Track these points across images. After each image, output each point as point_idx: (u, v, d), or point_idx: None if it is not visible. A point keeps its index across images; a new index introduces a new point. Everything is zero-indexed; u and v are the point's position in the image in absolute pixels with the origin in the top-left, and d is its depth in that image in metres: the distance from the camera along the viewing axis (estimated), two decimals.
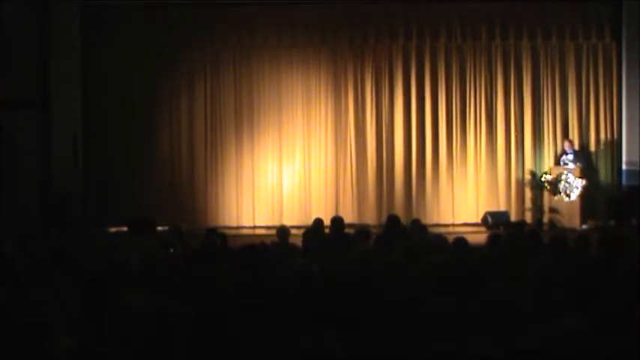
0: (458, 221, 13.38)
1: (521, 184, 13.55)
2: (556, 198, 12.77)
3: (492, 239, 7.29)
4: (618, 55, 13.58)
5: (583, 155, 13.17)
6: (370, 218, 13.29)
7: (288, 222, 11.66)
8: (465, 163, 13.56)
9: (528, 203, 13.49)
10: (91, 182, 12.97)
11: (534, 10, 13.54)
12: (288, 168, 13.54)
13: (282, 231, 8.70)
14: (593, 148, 13.60)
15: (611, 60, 13.65)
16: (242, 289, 4.95)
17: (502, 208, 13.37)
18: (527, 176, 13.53)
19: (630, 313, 3.93)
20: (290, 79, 13.62)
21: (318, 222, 9.05)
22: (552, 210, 12.92)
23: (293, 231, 9.02)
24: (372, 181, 13.52)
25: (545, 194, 13.05)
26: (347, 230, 8.81)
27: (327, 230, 8.91)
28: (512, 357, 3.47)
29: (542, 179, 12.98)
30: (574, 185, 12.59)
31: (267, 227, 12.64)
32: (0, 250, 5.22)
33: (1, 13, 12.61)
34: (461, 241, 6.82)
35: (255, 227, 13.25)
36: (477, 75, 13.61)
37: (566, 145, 13.14)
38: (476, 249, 7.02)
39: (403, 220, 9.80)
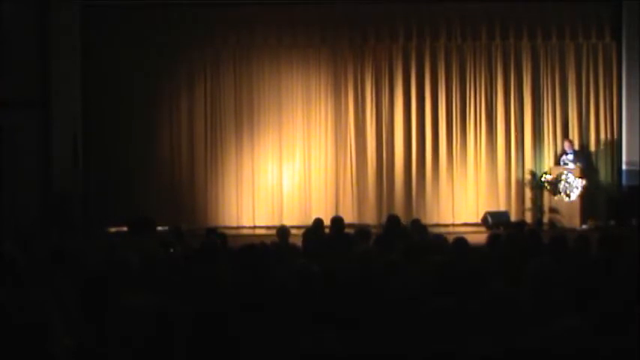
0: (458, 221, 13.38)
1: (521, 184, 13.55)
2: (556, 198, 12.77)
3: (492, 239, 7.29)
4: (618, 55, 13.58)
5: (583, 155, 13.17)
6: (370, 218, 13.29)
7: (288, 222, 11.66)
8: (465, 163, 13.56)
9: (528, 203, 13.49)
10: (91, 182, 12.97)
11: (534, 10, 13.54)
12: (288, 168, 13.54)
13: (282, 231, 8.70)
14: (593, 148, 13.60)
15: (611, 60, 13.65)
16: (242, 289, 4.95)
17: (502, 208, 13.38)
18: (527, 176, 13.53)
19: (630, 313, 3.93)
20: (290, 79, 13.62)
21: (318, 222, 9.05)
22: (552, 210, 12.92)
23: (293, 231, 9.02)
24: (372, 181, 13.52)
25: (545, 194, 13.05)
26: (347, 230, 8.80)
27: (327, 230, 8.90)
28: (512, 357, 3.47)
29: (542, 179, 12.98)
30: (574, 185, 12.59)
31: (267, 227, 12.63)
32: (0, 250, 5.22)
33: (1, 13, 12.61)
34: (461, 241, 6.82)
35: (255, 227, 13.25)
36: (477, 75, 13.61)
37: (566, 145, 13.14)
38: (476, 249, 7.02)
39: (403, 220, 9.79)
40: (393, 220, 8.77)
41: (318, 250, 7.68)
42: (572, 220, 12.63)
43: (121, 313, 3.66)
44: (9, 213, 12.18)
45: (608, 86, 13.64)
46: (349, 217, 12.50)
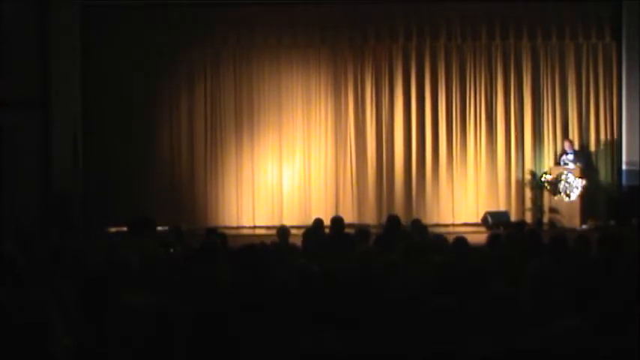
0: (458, 221, 13.38)
1: (521, 184, 13.55)
2: (556, 198, 12.77)
3: (492, 239, 7.29)
4: (618, 55, 13.58)
5: (583, 155, 13.17)
6: (370, 218, 13.29)
7: (288, 222, 11.66)
8: (465, 163, 13.56)
9: (528, 203, 13.49)
10: (91, 182, 12.97)
11: (534, 10, 13.54)
12: (288, 168, 13.54)
13: (282, 231, 8.70)
14: (593, 148, 13.60)
15: (611, 60, 13.65)
16: (242, 289, 4.95)
17: (502, 208, 13.38)
18: (527, 176, 13.53)
19: (630, 313, 3.93)
20: (290, 79, 13.62)
21: (318, 222, 9.05)
22: (552, 210, 12.92)
23: (293, 231, 9.02)
24: (372, 181, 13.52)
25: (545, 194, 13.05)
26: (347, 230, 8.80)
27: (327, 230, 8.90)
28: (512, 357, 3.47)
29: (542, 179, 12.98)
30: (574, 185, 12.59)
31: (267, 227, 12.63)
32: (0, 250, 5.21)
33: (1, 13, 12.61)
34: (461, 241, 6.83)
35: (255, 227, 13.25)
36: (477, 75, 13.62)
37: (566, 145, 13.14)
38: (476, 249, 7.02)
39: (403, 220, 9.79)
40: (393, 220, 8.77)
41: (318, 250, 7.68)
42: (572, 220, 12.63)
43: (121, 313, 3.66)
44: (9, 213, 12.18)
45: (608, 86, 13.64)
46: (349, 217, 12.50)
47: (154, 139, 13.45)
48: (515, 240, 7.11)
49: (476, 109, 13.62)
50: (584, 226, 12.60)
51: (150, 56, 13.40)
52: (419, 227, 8.89)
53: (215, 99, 13.58)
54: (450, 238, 7.20)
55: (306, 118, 13.59)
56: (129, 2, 13.33)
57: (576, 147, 13.24)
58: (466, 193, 13.52)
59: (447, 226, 13.03)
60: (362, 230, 8.37)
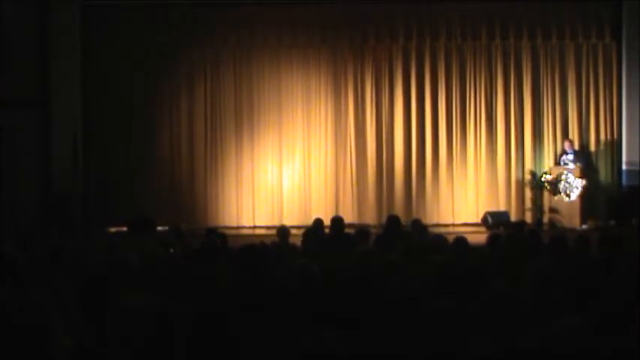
0: (458, 221, 13.38)
1: (521, 184, 13.55)
2: (556, 198, 12.77)
3: (492, 239, 7.29)
4: (618, 55, 13.58)
5: (583, 155, 13.17)
6: (370, 218, 13.29)
7: (288, 222, 11.66)
8: (465, 163, 13.56)
9: (528, 203, 13.49)
10: (91, 182, 12.97)
11: (534, 10, 13.54)
12: (288, 168, 13.54)
13: (282, 231, 8.70)
14: (593, 148, 13.60)
15: (611, 60, 13.65)
16: (242, 289, 4.95)
17: (502, 208, 13.38)
18: (527, 176, 13.53)
19: (630, 313, 3.93)
20: (290, 79, 13.62)
21: (318, 222, 9.05)
22: (552, 210, 12.92)
23: (293, 231, 9.02)
24: (372, 181, 13.52)
25: (545, 194, 13.05)
26: (347, 230, 8.80)
27: (327, 230, 8.90)
28: (512, 357, 3.47)
29: (542, 179, 12.98)
30: (574, 185, 12.59)
31: (267, 227, 12.63)
32: (0, 250, 5.21)
33: (1, 13, 12.61)
34: (461, 241, 6.83)
35: (255, 227, 13.25)
36: (477, 75, 13.62)
37: (566, 145, 13.14)
38: (476, 249, 7.02)
39: (403, 220, 9.79)
40: (393, 220, 8.76)
41: (318, 250, 7.68)
42: (572, 220, 12.63)
43: (121, 313, 3.66)
44: (9, 213, 12.18)
45: (608, 86, 13.64)
46: (349, 217, 12.50)
47: (154, 139, 13.45)
48: (515, 240, 7.11)
49: (476, 109, 13.62)
50: (584, 226, 12.59)
51: (150, 56, 13.40)
52: (419, 227, 8.89)
53: (215, 99, 13.58)
54: (450, 238, 7.20)
55: (306, 118, 13.59)
56: (129, 2, 13.33)
57: (576, 147, 13.24)
58: (466, 193, 13.52)
59: (447, 226, 13.03)
60: (362, 230, 8.37)
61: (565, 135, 13.47)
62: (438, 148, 13.55)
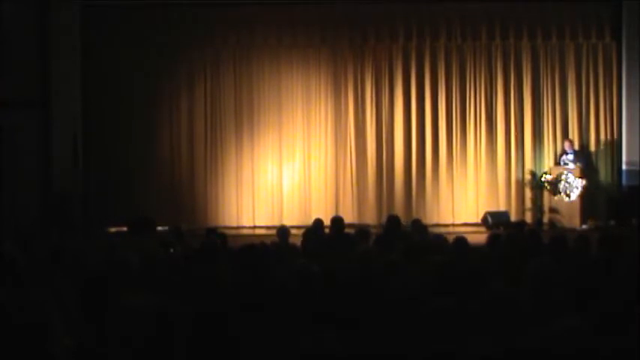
0: (458, 221, 13.38)
1: (521, 184, 13.55)
2: (556, 198, 12.77)
3: (492, 239, 7.29)
4: (618, 55, 13.58)
5: (583, 155, 13.17)
6: (370, 218, 13.29)
7: (288, 222, 11.66)
8: (465, 163, 13.56)
9: (528, 203, 13.49)
10: (91, 182, 12.97)
11: (534, 10, 13.54)
12: (288, 168, 13.54)
13: (282, 231, 8.71)
14: (593, 148, 13.60)
15: (611, 60, 13.65)
16: (242, 289, 4.95)
17: (502, 208, 13.38)
18: (527, 176, 13.53)
19: (630, 313, 3.93)
20: (290, 79, 13.62)
21: (318, 222, 9.05)
22: (552, 210, 12.92)
23: (293, 231, 9.02)
24: (372, 181, 13.52)
25: (545, 194, 13.05)
26: (347, 230, 8.80)
27: (327, 230, 8.90)
28: (512, 357, 3.47)
29: (542, 179, 12.98)
30: (574, 185, 12.59)
31: (267, 227, 12.63)
32: (0, 250, 5.21)
33: (1, 13, 12.61)
34: (461, 241, 6.83)
35: (255, 227, 13.25)
36: (477, 75, 13.62)
37: (566, 145, 13.14)
38: (476, 249, 7.02)
39: (403, 220, 9.79)
40: (393, 220, 8.76)
41: (318, 250, 7.67)
42: (572, 220, 12.63)
43: (121, 313, 3.66)
44: (9, 213, 12.18)
45: (608, 86, 13.64)
46: (349, 217, 12.50)
47: (154, 139, 13.45)
48: (515, 240, 7.11)
49: (476, 109, 13.62)
50: (584, 226, 12.59)
51: (150, 56, 13.40)
52: (419, 227, 8.89)
53: (215, 99, 13.58)
54: (450, 238, 7.20)
55: (306, 118, 13.59)
56: (129, 2, 13.33)
57: (576, 147, 13.24)
58: (466, 193, 13.52)
59: (447, 226, 13.03)
60: (362, 230, 8.37)
61: (565, 135, 13.47)
62: (438, 148, 13.55)
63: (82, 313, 4.21)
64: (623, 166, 13.42)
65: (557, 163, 13.21)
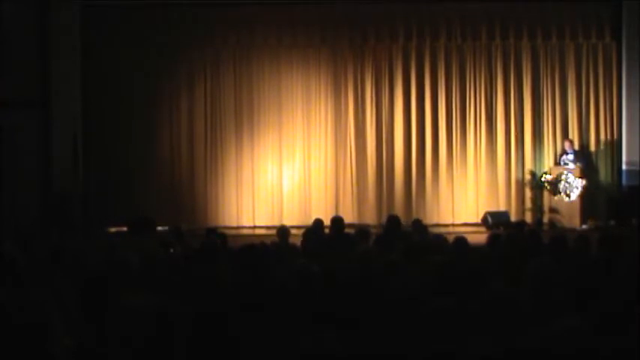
0: (458, 221, 13.38)
1: (521, 184, 13.55)
2: (556, 198, 12.77)
3: (492, 239, 7.29)
4: (618, 55, 13.58)
5: (583, 155, 13.17)
6: (370, 218, 13.29)
7: (288, 222, 11.66)
8: (465, 163, 13.56)
9: (528, 203, 13.49)
10: (91, 182, 12.97)
11: (534, 10, 13.54)
12: (288, 168, 13.54)
13: (282, 231, 8.70)
14: (593, 148, 13.60)
15: (611, 60, 13.65)
16: (242, 289, 4.95)
17: (502, 208, 13.38)
18: (527, 176, 13.53)
19: (630, 313, 3.93)
20: (290, 79, 13.62)
21: (318, 222, 9.05)
22: (552, 210, 12.92)
23: (293, 231, 9.01)
24: (372, 181, 13.52)
25: (545, 194, 13.05)
26: (347, 230, 8.80)
27: (327, 230, 8.90)
28: (512, 357, 3.47)
29: (542, 179, 12.98)
30: (574, 185, 12.59)
31: (267, 227, 12.63)
32: (0, 250, 5.21)
33: (1, 13, 12.61)
34: (461, 241, 6.83)
35: (255, 227, 13.25)
36: (477, 75, 13.62)
37: (566, 145, 13.14)
38: (476, 249, 7.02)
39: (403, 220, 9.79)
40: (393, 220, 8.76)
41: (318, 250, 7.67)
42: (572, 220, 12.63)
43: (121, 313, 3.66)
44: (9, 213, 12.18)
45: (608, 86, 13.64)
46: (349, 217, 12.50)
47: (154, 139, 13.45)
48: (515, 240, 7.11)
49: (476, 109, 13.62)
50: (584, 226, 12.60)
51: (150, 56, 13.40)
52: (419, 227, 8.89)
53: (215, 99, 13.58)
54: (450, 238, 7.20)
55: (306, 118, 13.59)
56: (129, 2, 13.34)
57: (576, 147, 13.24)
58: (466, 193, 13.52)
59: (447, 226, 13.03)
60: (362, 230, 8.37)
61: (565, 135, 13.47)
62: (438, 148, 13.55)
63: (82, 313, 4.21)
64: (623, 166, 13.42)
65: (557, 163, 13.21)
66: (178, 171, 13.51)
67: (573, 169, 12.73)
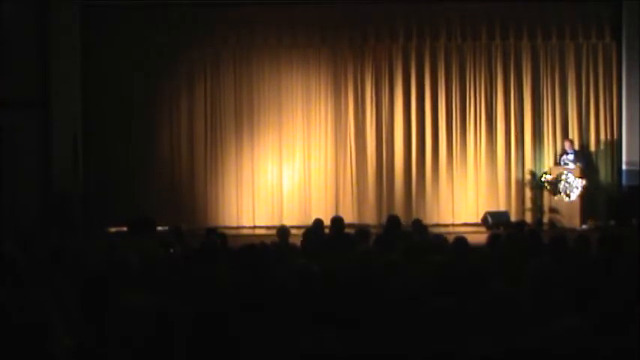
0: (458, 221, 13.38)
1: (521, 184, 13.55)
2: (556, 198, 12.77)
3: (492, 239, 7.29)
4: (618, 55, 13.58)
5: (583, 155, 13.17)
6: (370, 218, 13.29)
7: (288, 222, 11.66)
8: (465, 163, 13.56)
9: (528, 203, 13.49)
10: (91, 182, 12.97)
11: (534, 10, 13.54)
12: (288, 168, 13.54)
13: (282, 231, 8.70)
14: (593, 148, 13.60)
15: (611, 60, 13.65)
16: (242, 289, 4.95)
17: (502, 208, 13.38)
18: (527, 176, 13.53)
19: (630, 313, 3.93)
20: (290, 79, 13.62)
21: (318, 222, 9.05)
22: (552, 210, 12.92)
23: (293, 231, 9.01)
24: (372, 181, 13.52)
25: (545, 194, 13.05)
26: (347, 230, 8.80)
27: (327, 230, 8.90)
28: (512, 357, 3.47)
29: (542, 179, 12.98)
30: (574, 185, 12.59)
31: (267, 227, 12.63)
32: (0, 250, 5.21)
33: (1, 13, 12.61)
34: (461, 241, 6.83)
35: (255, 227, 13.25)
36: (477, 75, 13.62)
37: (567, 145, 13.14)
38: (476, 249, 7.02)
39: (403, 220, 9.80)
40: (393, 220, 8.76)
41: (318, 250, 7.67)
42: (572, 220, 12.63)
43: (121, 313, 3.66)
44: (9, 213, 12.18)
45: (608, 86, 13.64)
46: (349, 217, 12.50)
47: (154, 139, 13.45)
48: (515, 240, 7.11)
49: (476, 109, 13.62)
50: (584, 226, 12.60)
51: (150, 56, 13.40)
52: (419, 227, 8.89)
53: (215, 99, 13.58)
54: (450, 238, 7.20)
55: (306, 118, 13.59)
56: (129, 2, 13.34)
57: (576, 147, 13.24)
58: (466, 193, 13.52)
59: (447, 226, 13.03)
60: (362, 230, 8.37)
61: (565, 135, 13.47)
62: (438, 148, 13.55)
63: (82, 313, 4.21)
64: (623, 166, 13.42)
65: (557, 163, 13.21)
66: (178, 171, 13.51)
67: (573, 169, 12.73)
